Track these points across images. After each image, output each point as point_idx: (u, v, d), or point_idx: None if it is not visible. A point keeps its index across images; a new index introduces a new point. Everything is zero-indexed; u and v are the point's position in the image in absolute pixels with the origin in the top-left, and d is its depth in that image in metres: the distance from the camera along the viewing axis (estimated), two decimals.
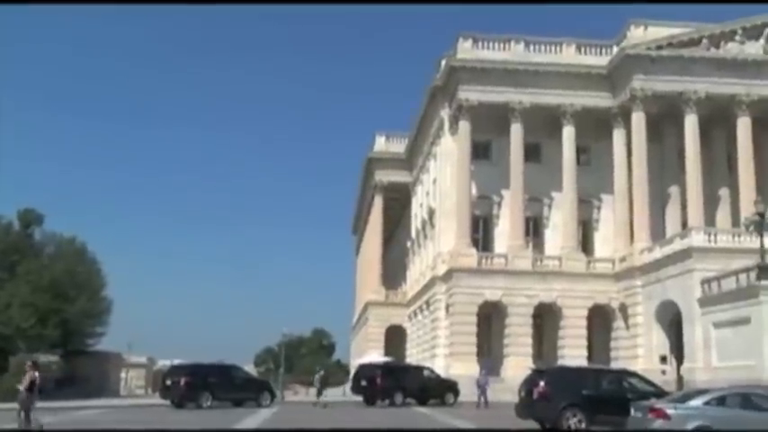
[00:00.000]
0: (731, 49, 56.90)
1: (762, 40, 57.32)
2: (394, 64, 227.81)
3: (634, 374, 31.12)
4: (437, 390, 45.75)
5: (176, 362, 54.46)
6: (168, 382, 41.43)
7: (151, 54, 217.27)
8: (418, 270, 72.84)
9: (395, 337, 79.65)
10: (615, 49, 58.46)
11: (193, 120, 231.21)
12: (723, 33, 57.20)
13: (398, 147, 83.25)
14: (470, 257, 55.93)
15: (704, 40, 56.77)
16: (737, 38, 57.11)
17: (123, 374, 78.91)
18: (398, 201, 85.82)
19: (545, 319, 57.37)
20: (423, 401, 44.53)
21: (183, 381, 40.16)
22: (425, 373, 47.37)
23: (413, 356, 69.89)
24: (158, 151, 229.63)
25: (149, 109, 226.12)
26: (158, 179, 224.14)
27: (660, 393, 27.98)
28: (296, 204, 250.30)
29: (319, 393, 45.72)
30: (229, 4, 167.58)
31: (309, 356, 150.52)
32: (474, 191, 58.70)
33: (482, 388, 42.54)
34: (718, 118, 58.09)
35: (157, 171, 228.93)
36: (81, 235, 67.09)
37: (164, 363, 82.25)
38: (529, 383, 29.21)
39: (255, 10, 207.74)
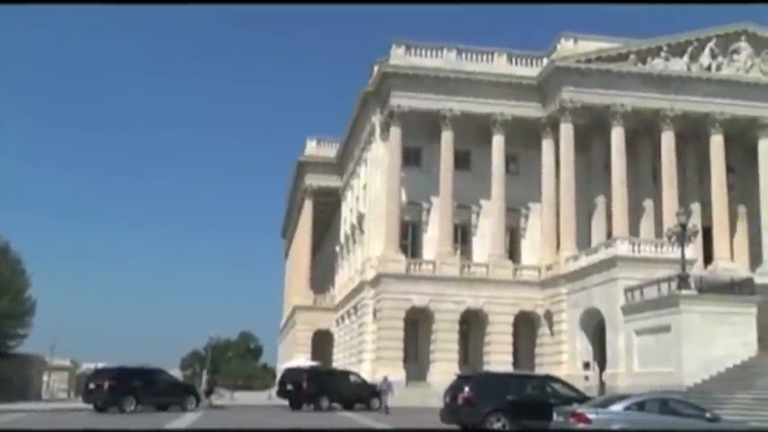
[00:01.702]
0: (657, 64, 58.31)
1: (686, 57, 58.87)
2: (328, 68, 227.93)
3: (557, 380, 31.58)
4: (363, 395, 45.78)
5: (100, 365, 53.48)
6: (91, 386, 40.48)
7: (68, 53, 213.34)
8: (347, 275, 72.82)
9: (322, 342, 79.45)
10: (545, 61, 59.33)
11: (123, 120, 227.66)
12: (650, 49, 58.58)
13: (330, 151, 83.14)
14: (399, 263, 56.11)
15: (632, 56, 58.04)
16: (663, 54, 58.54)
17: (46, 378, 77.28)
18: (328, 205, 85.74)
19: (471, 325, 57.84)
20: (348, 406, 44.53)
21: (106, 385, 39.32)
22: (352, 377, 47.36)
23: (340, 361, 69.80)
24: (88, 151, 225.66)
25: (73, 107, 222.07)
26: (87, 179, 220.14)
27: (582, 398, 28.46)
28: (225, 207, 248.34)
29: (207, 395, 45.68)
30: (165, 4, 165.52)
31: (236, 360, 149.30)
32: (404, 197, 58.94)
33: (384, 394, 42.68)
34: (643, 131, 59.41)
35: (87, 171, 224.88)
36: (4, 234, 65.63)
37: (87, 366, 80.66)
38: (454, 389, 29.46)
39: (188, 11, 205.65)
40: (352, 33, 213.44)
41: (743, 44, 59.85)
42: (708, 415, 25.06)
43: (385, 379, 44.59)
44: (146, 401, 39.91)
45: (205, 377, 47.09)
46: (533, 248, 59.75)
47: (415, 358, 57.11)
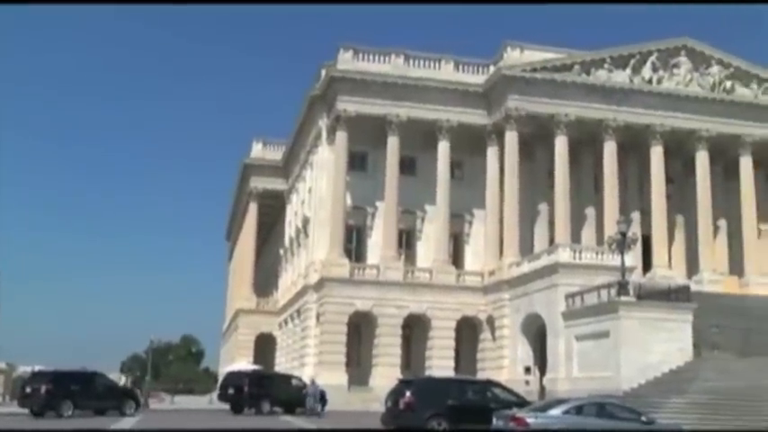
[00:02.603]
0: (600, 76, 59.35)
1: (628, 70, 60.06)
2: (276, 70, 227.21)
3: (498, 385, 32.00)
4: (305, 398, 45.67)
5: (37, 368, 52.41)
6: (28, 390, 39.52)
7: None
8: (290, 278, 72.68)
9: (265, 346, 79.13)
10: (492, 69, 59.92)
11: (68, 121, 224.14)
12: (593, 61, 59.62)
13: (276, 154, 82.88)
14: (343, 267, 56.20)
15: (576, 66, 59.00)
16: (606, 66, 59.65)
17: None
18: (273, 208, 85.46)
19: (414, 329, 58.12)
20: (290, 410, 44.44)
21: (43, 388, 38.40)
22: (293, 381, 47.24)
23: (282, 365, 69.60)
24: (27, 154, 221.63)
25: (9, 110, 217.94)
26: (28, 179, 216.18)
27: (522, 403, 28.89)
28: (169, 208, 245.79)
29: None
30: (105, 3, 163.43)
31: (177, 363, 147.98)
32: (349, 201, 59.06)
33: (312, 397, 42.72)
34: (586, 141, 60.37)
35: (29, 171, 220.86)
36: None
37: (24, 369, 79.03)
38: (396, 393, 29.70)
39: (135, 9, 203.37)
40: (300, 36, 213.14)
41: (683, 59, 61.29)
42: (643, 418, 25.71)
43: (312, 382, 44.56)
44: (84, 406, 39.22)
45: (128, 379, 46.35)
46: (477, 254, 60.32)
47: (358, 363, 57.24)
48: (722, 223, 63.04)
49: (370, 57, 59.71)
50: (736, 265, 61.80)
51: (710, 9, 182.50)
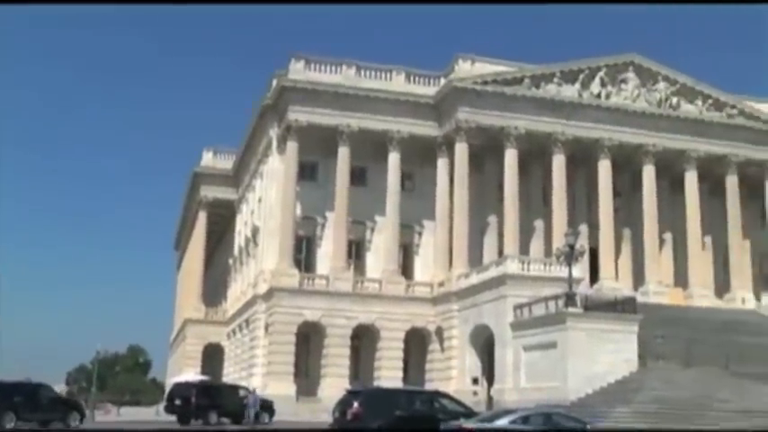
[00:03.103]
0: (550, 89, 60.06)
1: (577, 84, 60.89)
2: (228, 80, 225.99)
3: (446, 395, 32.13)
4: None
5: None
6: None
7: None
8: (239, 288, 72.22)
9: (213, 356, 78.49)
10: (443, 81, 60.26)
11: (9, 128, 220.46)
12: (543, 75, 60.31)
13: (226, 163, 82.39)
14: (292, 277, 55.99)
15: (526, 80, 59.61)
16: (556, 80, 60.40)
17: None
18: (223, 218, 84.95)
19: (363, 340, 58.06)
20: (237, 421, 44.01)
21: None
22: (241, 392, 46.78)
23: (230, 375, 69.02)
24: None
25: None
26: None
27: (470, 413, 29.06)
28: (116, 217, 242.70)
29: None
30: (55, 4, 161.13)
31: (124, 374, 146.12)
32: (299, 211, 58.90)
33: (251, 407, 42.46)
34: (536, 154, 60.97)
35: None
36: None
37: None
38: (343, 404, 29.69)
39: (83, 11, 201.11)
40: (253, 45, 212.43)
41: (630, 75, 62.34)
42: (588, 427, 26.01)
43: (253, 391, 44.23)
44: (27, 418, 38.26)
45: (66, 389, 45.39)
46: (426, 265, 60.45)
47: (306, 373, 57.00)
48: (668, 236, 64.02)
49: (322, 67, 59.69)
50: (680, 277, 62.80)
51: (659, 25, 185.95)
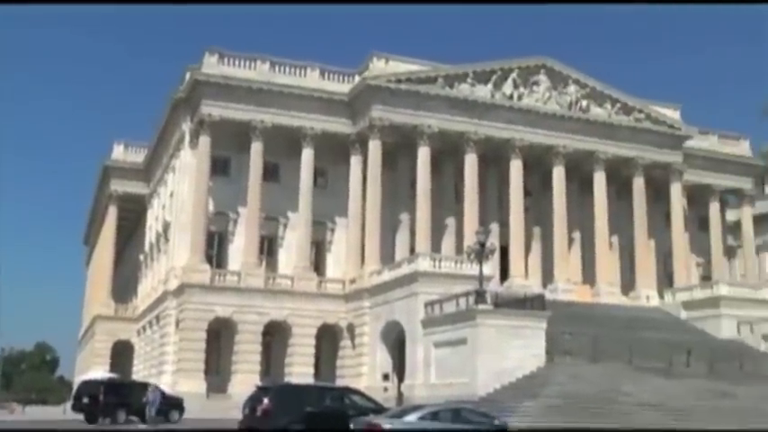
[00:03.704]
0: (464, 89, 60.68)
1: (490, 85, 61.68)
2: (141, 72, 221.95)
3: (356, 392, 32.21)
4: (162, 407, 44.61)
5: None
6: None
7: None
8: (150, 284, 71.09)
9: (122, 353, 77.15)
10: (357, 79, 60.35)
11: None
12: (457, 75, 60.90)
13: (138, 156, 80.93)
14: (203, 273, 55.38)
15: (440, 79, 60.10)
16: (469, 80, 61.06)
17: None
18: (134, 212, 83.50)
19: (275, 336, 57.80)
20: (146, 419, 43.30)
21: None
22: (151, 390, 46.02)
23: (140, 373, 67.86)
24: None
25: None
26: None
27: (380, 409, 29.20)
28: (22, 210, 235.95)
29: None
30: None
31: (30, 372, 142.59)
32: (211, 206, 58.28)
33: (151, 404, 41.98)
34: (448, 152, 61.53)
35: None
36: None
37: None
38: (253, 400, 29.49)
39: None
40: (166, 38, 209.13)
41: (542, 77, 63.49)
42: (496, 422, 26.43)
43: (154, 389, 43.49)
44: None
45: None
46: (339, 262, 60.53)
47: (217, 370, 56.47)
48: (576, 235, 65.45)
49: (236, 62, 59.11)
50: (588, 275, 64.34)
51: (573, 29, 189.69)
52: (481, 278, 44.04)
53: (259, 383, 38.99)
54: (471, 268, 47.12)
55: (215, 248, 59.51)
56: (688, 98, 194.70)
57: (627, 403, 39.36)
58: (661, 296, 64.82)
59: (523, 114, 61.95)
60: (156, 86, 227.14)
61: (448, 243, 60.20)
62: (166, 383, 52.60)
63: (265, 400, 28.39)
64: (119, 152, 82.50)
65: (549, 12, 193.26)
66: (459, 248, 57.15)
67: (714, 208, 70.97)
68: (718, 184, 71.39)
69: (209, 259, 57.26)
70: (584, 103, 64.60)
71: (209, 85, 57.37)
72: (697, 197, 71.79)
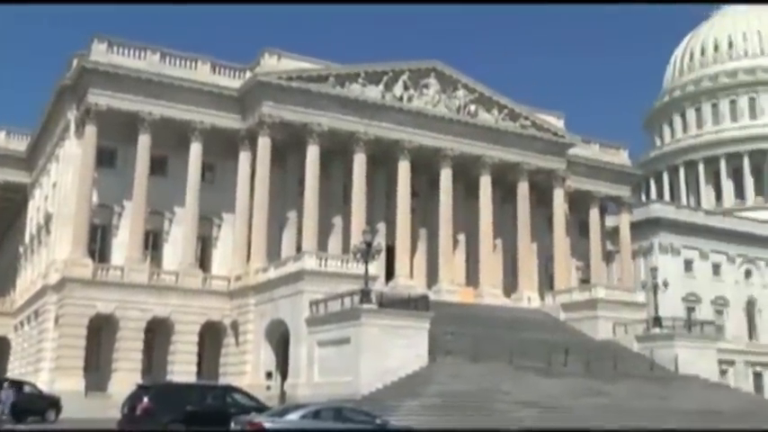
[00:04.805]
0: (354, 89, 61.01)
1: (381, 86, 62.21)
2: (24, 58, 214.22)
3: (238, 390, 32.22)
4: (37, 406, 43.21)
5: None
6: None
7: None
8: (30, 278, 68.83)
9: None
10: (249, 74, 59.95)
11: None
12: (349, 74, 61.19)
13: (20, 144, 77.98)
14: (86, 267, 53.98)
15: (331, 78, 60.24)
16: (361, 80, 61.44)
17: None
18: (14, 202, 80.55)
19: (158, 334, 56.78)
20: (20, 419, 41.62)
21: None
22: (26, 388, 44.30)
23: (16, 370, 65.47)
24: None
25: None
26: None
27: (262, 408, 29.33)
28: None
29: None
30: None
31: None
32: (95, 199, 56.84)
33: (3, 403, 40.88)
34: (338, 151, 61.75)
35: None
36: None
37: None
38: (133, 399, 29.20)
39: None
40: (56, 22, 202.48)
41: (432, 80, 64.45)
42: (378, 421, 26.89)
43: (9, 386, 41.68)
44: None
45: None
46: (225, 258, 59.92)
47: (98, 368, 54.95)
48: (462, 237, 66.74)
49: (126, 51, 57.65)
50: (472, 277, 65.74)
51: (463, 34, 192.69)
52: (366, 278, 44.45)
53: (140, 382, 38.41)
54: (357, 268, 47.54)
55: (98, 242, 58.04)
56: (572, 106, 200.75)
57: (505, 401, 40.57)
58: (542, 298, 66.74)
59: (413, 116, 62.73)
60: (39, 72, 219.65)
61: (335, 242, 60.54)
62: (43, 382, 51.19)
63: (145, 399, 28.16)
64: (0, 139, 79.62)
65: (442, 12, 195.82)
66: (345, 248, 57.56)
67: (594, 214, 73.34)
68: (598, 191, 73.83)
69: (91, 253, 55.81)
70: (473, 107, 65.83)
71: (96, 73, 55.87)
72: (578, 203, 74.04)
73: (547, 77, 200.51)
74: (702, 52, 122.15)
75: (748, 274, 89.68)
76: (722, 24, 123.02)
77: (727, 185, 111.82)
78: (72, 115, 59.06)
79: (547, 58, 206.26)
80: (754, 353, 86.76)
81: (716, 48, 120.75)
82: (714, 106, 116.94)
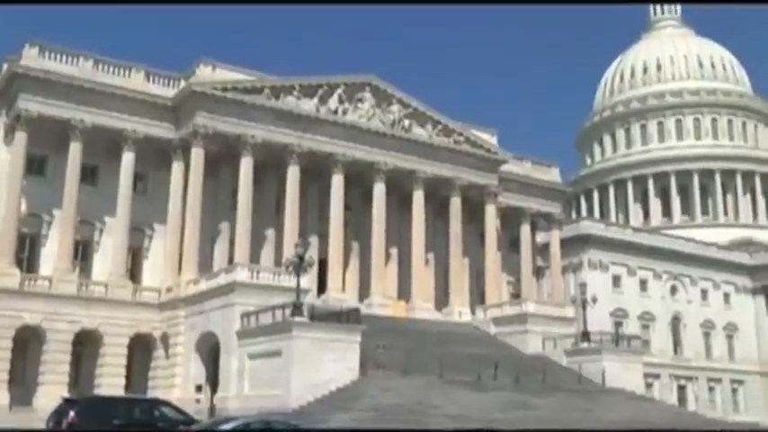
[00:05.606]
0: (289, 102, 61.00)
1: (316, 99, 62.31)
2: None
3: (166, 403, 31.94)
4: None
5: None
6: None
7: None
8: None
9: None
10: (183, 84, 59.51)
11: None
12: (284, 87, 61.18)
13: None
14: (12, 277, 52.65)
15: (266, 90, 60.13)
16: (296, 93, 61.45)
17: None
18: None
19: (86, 346, 55.65)
20: None
21: None
22: None
23: None
24: None
25: None
26: None
27: (190, 421, 29.15)
28: None
29: None
30: None
31: None
32: (24, 207, 55.53)
33: None
34: (272, 164, 61.61)
35: None
36: None
37: None
38: (59, 413, 28.81)
39: None
40: None
41: (367, 94, 64.82)
42: None
43: None
44: None
45: None
46: (155, 270, 59.13)
47: (23, 381, 53.54)
48: (394, 251, 67.02)
49: (58, 56, 56.66)
50: (404, 291, 66.02)
51: (399, 49, 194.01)
52: (298, 291, 44.50)
53: (66, 395, 37.75)
54: (289, 280, 47.58)
55: (26, 252, 56.71)
56: (506, 124, 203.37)
57: (436, 415, 40.79)
58: (473, 312, 67.44)
59: (347, 130, 62.99)
60: None
61: (267, 254, 60.30)
62: None
63: (71, 414, 27.78)
64: None
65: (378, 27, 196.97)
66: (278, 260, 57.28)
67: (525, 230, 74.40)
68: (529, 208, 74.96)
69: (19, 263, 54.49)
70: (407, 122, 66.36)
71: (27, 78, 54.73)
72: (510, 219, 75.01)
73: (481, 95, 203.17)
74: (632, 74, 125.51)
75: (674, 290, 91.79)
76: (651, 47, 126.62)
77: (655, 204, 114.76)
78: (1, 121, 57.82)
79: (481, 75, 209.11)
80: (678, 366, 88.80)
81: (645, 70, 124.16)
82: (643, 127, 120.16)
